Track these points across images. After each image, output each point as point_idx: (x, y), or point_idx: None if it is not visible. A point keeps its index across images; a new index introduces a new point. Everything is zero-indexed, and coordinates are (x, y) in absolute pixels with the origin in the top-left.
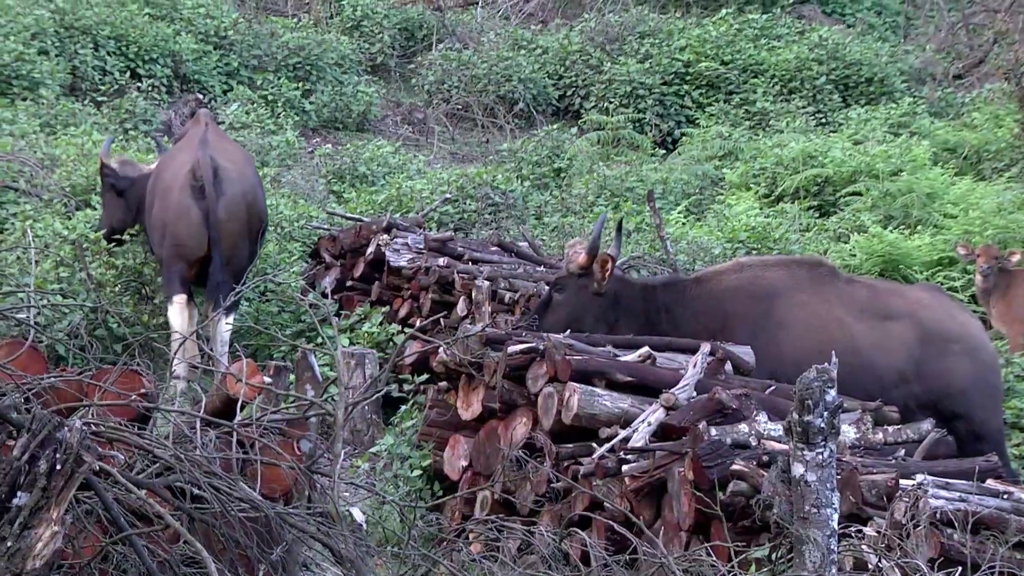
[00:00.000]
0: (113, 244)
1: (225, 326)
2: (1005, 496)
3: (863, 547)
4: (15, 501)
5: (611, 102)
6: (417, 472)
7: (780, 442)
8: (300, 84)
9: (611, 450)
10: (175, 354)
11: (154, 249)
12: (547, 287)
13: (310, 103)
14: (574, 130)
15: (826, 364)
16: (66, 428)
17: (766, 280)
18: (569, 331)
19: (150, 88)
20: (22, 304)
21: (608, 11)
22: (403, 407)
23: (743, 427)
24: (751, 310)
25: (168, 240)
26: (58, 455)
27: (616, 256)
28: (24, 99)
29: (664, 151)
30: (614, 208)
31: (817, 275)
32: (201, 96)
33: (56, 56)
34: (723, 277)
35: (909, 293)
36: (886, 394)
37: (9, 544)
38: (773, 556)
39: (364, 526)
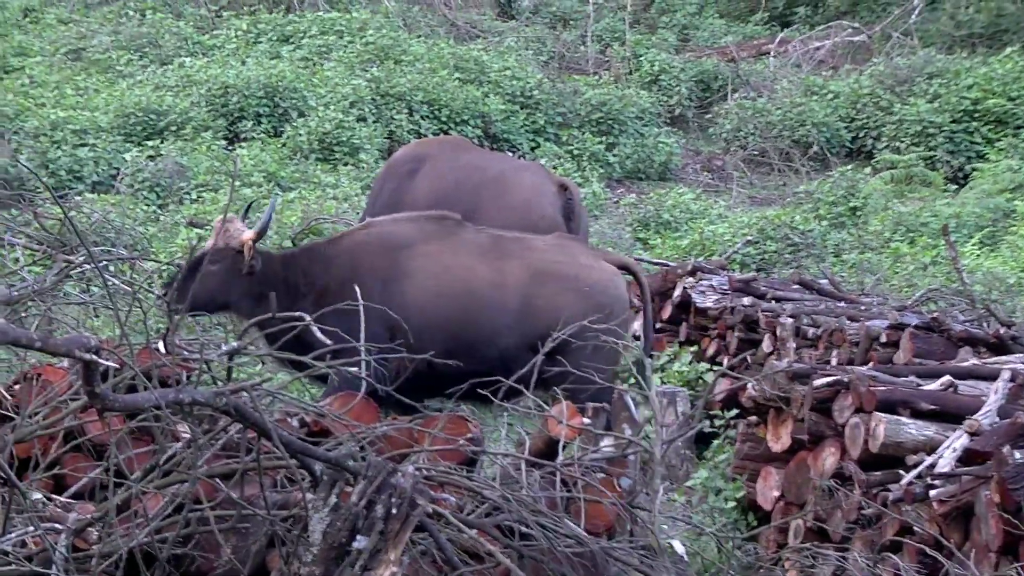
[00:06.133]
0: None
1: None
2: None
3: None
4: (355, 545)
5: (902, 141)
6: (731, 504)
7: None
8: (603, 138)
9: (918, 476)
10: None
11: None
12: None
13: (613, 155)
14: (867, 170)
15: None
16: (400, 474)
17: (395, 234)
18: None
19: None
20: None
21: (896, 55)
22: (715, 442)
23: None
24: (379, 262)
25: None
26: (393, 500)
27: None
28: (345, 164)
29: (956, 186)
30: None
31: (444, 227)
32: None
33: (373, 122)
34: (355, 234)
35: (532, 239)
36: (505, 332)
37: None
38: None
39: (685, 557)
